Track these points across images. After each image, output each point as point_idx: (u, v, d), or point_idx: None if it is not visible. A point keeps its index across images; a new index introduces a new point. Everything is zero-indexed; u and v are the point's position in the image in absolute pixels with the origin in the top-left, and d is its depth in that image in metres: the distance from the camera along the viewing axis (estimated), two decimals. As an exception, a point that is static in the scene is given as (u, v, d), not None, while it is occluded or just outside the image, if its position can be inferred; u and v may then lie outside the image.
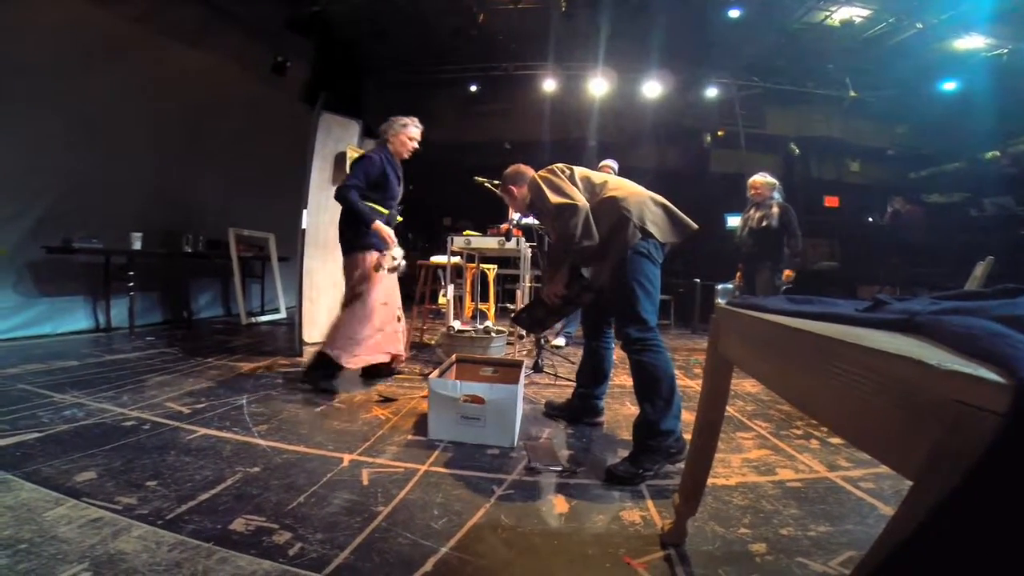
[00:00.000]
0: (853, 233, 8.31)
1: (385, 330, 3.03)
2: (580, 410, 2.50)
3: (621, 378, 3.46)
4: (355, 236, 2.92)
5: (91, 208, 4.35)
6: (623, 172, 8.53)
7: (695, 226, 2.14)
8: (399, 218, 3.18)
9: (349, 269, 2.97)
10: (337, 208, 4.11)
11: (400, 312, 3.20)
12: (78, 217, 4.22)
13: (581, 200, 2.07)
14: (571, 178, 2.22)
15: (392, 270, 3.02)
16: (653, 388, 1.92)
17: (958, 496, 0.38)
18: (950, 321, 0.59)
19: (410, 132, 3.13)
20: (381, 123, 3.17)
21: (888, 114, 8.29)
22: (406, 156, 3.16)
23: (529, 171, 2.49)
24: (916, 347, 0.55)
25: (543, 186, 2.18)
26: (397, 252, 2.98)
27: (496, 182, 3.74)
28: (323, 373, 2.85)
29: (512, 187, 2.53)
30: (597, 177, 2.27)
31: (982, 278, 3.68)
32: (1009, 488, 0.36)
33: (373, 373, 3.16)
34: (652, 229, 2.03)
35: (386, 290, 3.03)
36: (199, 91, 5.38)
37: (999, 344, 0.46)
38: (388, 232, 2.92)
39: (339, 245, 3.02)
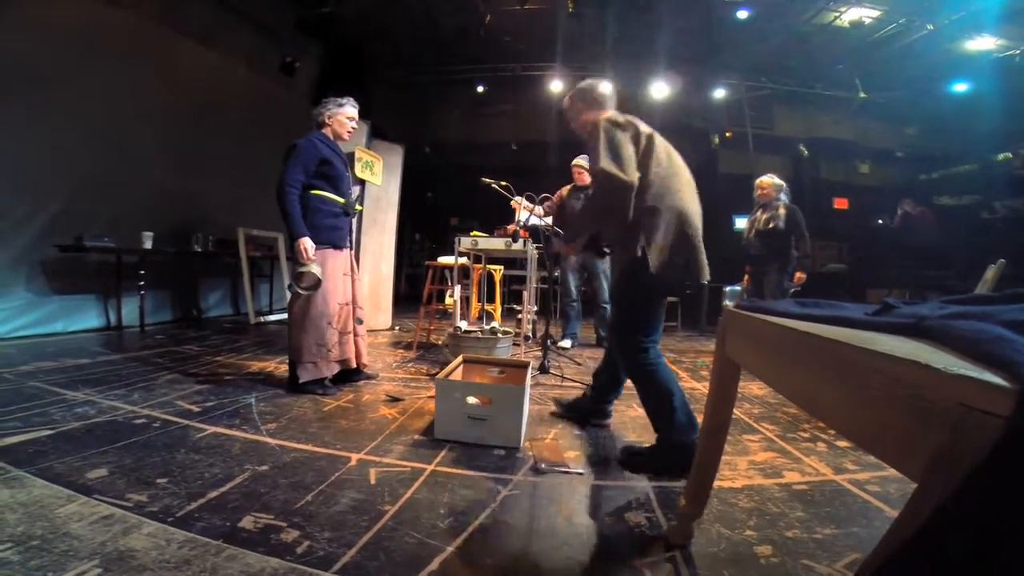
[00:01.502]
0: (862, 235, 8.25)
1: (349, 332, 2.92)
2: (589, 411, 2.48)
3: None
4: (310, 231, 2.71)
5: (103, 207, 4.41)
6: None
7: (703, 280, 1.98)
8: (359, 206, 2.90)
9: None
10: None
11: (362, 313, 3.03)
12: (90, 216, 4.28)
13: (631, 177, 1.84)
14: (645, 149, 1.95)
15: (308, 289, 2.69)
16: (657, 412, 1.94)
17: (961, 498, 0.38)
18: (957, 326, 0.59)
19: (348, 111, 2.92)
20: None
21: (898, 115, 8.24)
22: (347, 139, 2.96)
23: (604, 103, 2.20)
24: (923, 351, 0.55)
25: (603, 138, 1.92)
26: (315, 268, 2.66)
27: (503, 183, 3.76)
28: (300, 383, 2.74)
29: (580, 105, 2.24)
30: (673, 168, 2.01)
31: (993, 281, 3.64)
32: (1011, 491, 0.37)
33: (344, 376, 3.00)
34: (653, 256, 1.86)
35: (343, 289, 2.89)
36: (209, 90, 5.44)
37: (1005, 349, 0.46)
38: (307, 246, 2.64)
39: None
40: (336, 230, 2.85)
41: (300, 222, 2.67)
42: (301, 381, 2.72)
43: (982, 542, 0.38)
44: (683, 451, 1.80)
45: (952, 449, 0.40)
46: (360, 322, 3.03)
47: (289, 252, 6.17)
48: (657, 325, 2.01)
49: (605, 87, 2.23)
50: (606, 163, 1.86)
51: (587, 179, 4.60)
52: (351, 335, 2.95)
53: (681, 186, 1.99)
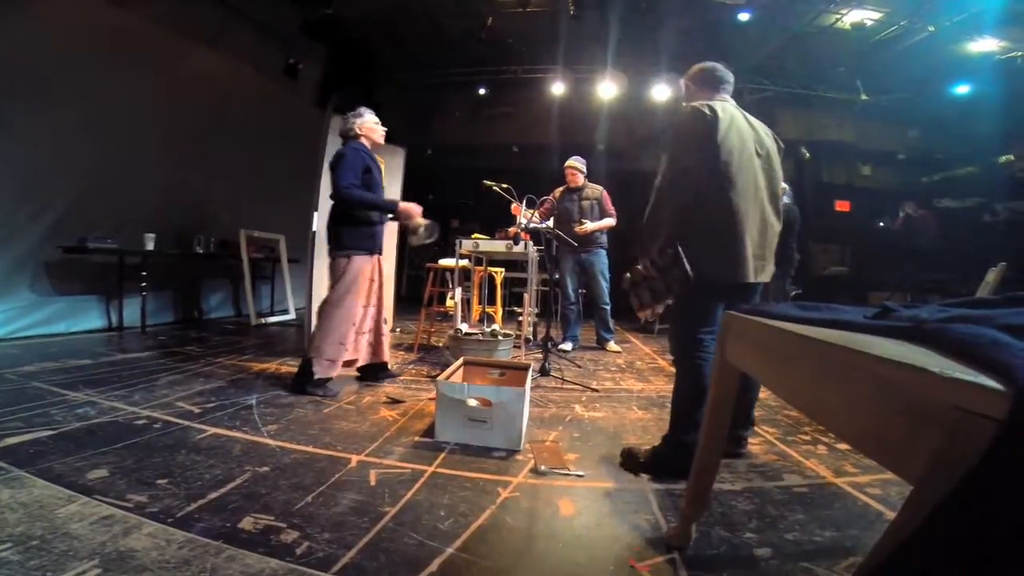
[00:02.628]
0: (864, 238, 8.24)
1: (364, 332, 3.04)
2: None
3: (628, 382, 3.46)
4: (349, 238, 2.88)
5: (106, 209, 4.42)
6: (631, 176, 8.49)
7: (749, 278, 1.88)
8: (429, 239, 3.17)
9: (335, 271, 2.89)
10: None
11: (387, 316, 3.17)
12: (93, 217, 4.29)
13: (675, 190, 1.83)
14: (712, 150, 1.84)
15: (430, 237, 3.12)
16: (682, 410, 1.90)
17: (957, 500, 0.38)
18: (955, 329, 0.59)
19: (372, 118, 3.08)
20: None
21: (900, 118, 8.22)
22: (382, 143, 3.14)
23: (717, 87, 2.05)
24: (920, 355, 0.55)
25: (674, 136, 1.92)
26: (423, 221, 3.07)
27: (505, 185, 3.77)
28: (312, 380, 2.79)
29: (690, 85, 2.12)
30: (743, 162, 1.88)
31: (994, 284, 3.64)
32: (1007, 493, 0.37)
33: (368, 374, 3.16)
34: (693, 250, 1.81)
35: (368, 294, 3.03)
36: (213, 92, 5.46)
37: (1001, 353, 0.46)
38: (411, 206, 3.02)
39: (329, 243, 2.94)
40: (371, 238, 2.99)
41: (383, 199, 2.98)
42: (316, 376, 2.79)
43: (978, 544, 0.38)
44: (689, 452, 1.67)
45: (948, 452, 0.41)
46: (385, 322, 3.21)
47: (292, 254, 6.20)
48: (711, 318, 1.91)
49: (721, 71, 2.07)
50: (673, 162, 1.86)
51: (580, 180, 4.62)
52: (364, 335, 3.06)
53: (742, 184, 1.88)
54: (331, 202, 2.89)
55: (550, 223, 4.20)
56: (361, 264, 2.91)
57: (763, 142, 1.97)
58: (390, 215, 3.10)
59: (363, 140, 3.01)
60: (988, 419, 0.38)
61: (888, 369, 0.52)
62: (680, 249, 1.80)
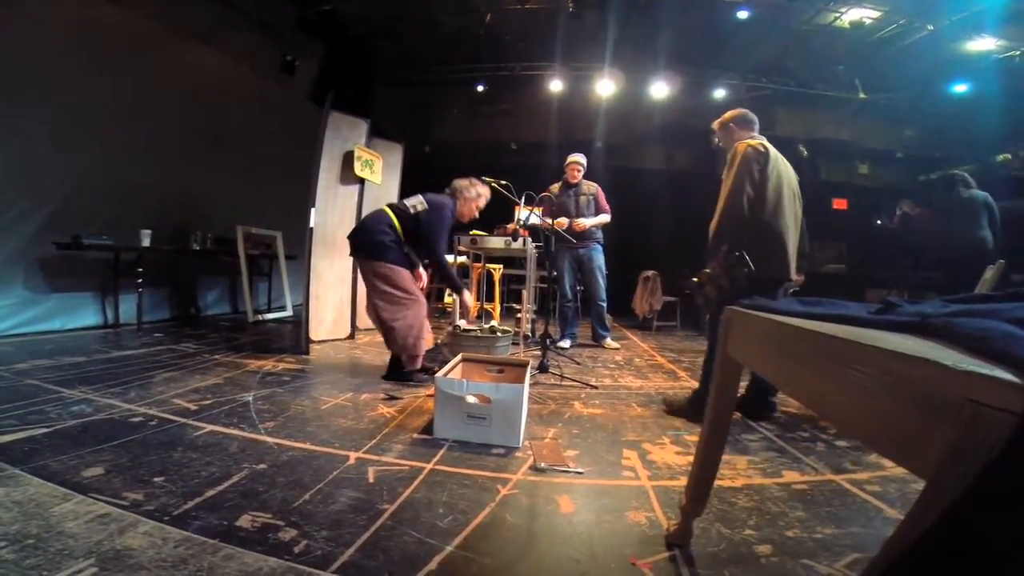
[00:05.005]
0: (861, 236, 8.25)
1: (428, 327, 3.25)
2: (756, 405, 2.60)
3: (627, 379, 3.46)
4: (408, 256, 3.11)
5: (101, 205, 4.39)
6: (630, 175, 8.51)
7: (783, 276, 2.48)
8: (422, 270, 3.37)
9: (392, 277, 3.01)
10: (346, 208, 4.18)
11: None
12: (88, 213, 4.26)
13: (742, 210, 2.34)
14: (764, 173, 2.39)
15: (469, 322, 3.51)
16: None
17: (972, 496, 0.38)
18: (963, 323, 0.58)
19: (480, 203, 3.32)
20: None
21: (898, 116, 8.23)
22: (464, 221, 3.32)
23: (753, 127, 2.64)
24: (930, 348, 0.54)
25: (738, 167, 2.38)
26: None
27: (503, 182, 3.76)
28: (401, 373, 3.10)
29: (732, 126, 2.68)
30: (781, 187, 2.45)
31: (992, 281, 3.65)
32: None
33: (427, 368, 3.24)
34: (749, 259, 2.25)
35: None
36: (209, 89, 5.42)
37: (1013, 345, 0.45)
38: (469, 300, 3.39)
39: (367, 248, 3.03)
40: (409, 257, 3.15)
41: (457, 281, 3.30)
42: (407, 370, 3.09)
43: (993, 540, 0.38)
44: (771, 405, 2.56)
45: (962, 446, 0.40)
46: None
47: (290, 250, 6.17)
48: None
49: (752, 115, 2.69)
50: (732, 194, 2.38)
51: (579, 177, 4.65)
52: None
53: (784, 206, 2.46)
54: (372, 211, 3.20)
55: (551, 220, 4.20)
56: (410, 277, 3.13)
57: (791, 173, 2.58)
58: (453, 291, 3.51)
59: (459, 204, 3.22)
60: (1004, 412, 0.37)
61: (897, 362, 0.51)
62: (744, 253, 2.24)
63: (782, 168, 2.50)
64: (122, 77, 4.43)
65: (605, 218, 4.66)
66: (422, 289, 3.25)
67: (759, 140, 2.50)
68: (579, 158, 4.66)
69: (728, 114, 2.73)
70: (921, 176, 8.51)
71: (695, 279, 2.45)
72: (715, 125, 2.81)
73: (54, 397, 2.40)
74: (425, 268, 3.15)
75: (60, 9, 3.93)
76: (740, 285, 2.22)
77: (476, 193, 3.27)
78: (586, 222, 4.52)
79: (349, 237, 3.16)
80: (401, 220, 3.07)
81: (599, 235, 4.72)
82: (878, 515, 1.57)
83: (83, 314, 4.37)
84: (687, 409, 2.58)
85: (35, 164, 3.87)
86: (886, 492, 1.72)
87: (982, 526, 0.38)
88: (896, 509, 1.60)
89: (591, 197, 4.63)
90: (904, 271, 7.20)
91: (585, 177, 4.72)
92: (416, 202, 3.13)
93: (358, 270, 4.27)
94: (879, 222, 8.49)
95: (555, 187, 4.71)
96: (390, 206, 3.18)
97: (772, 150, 2.46)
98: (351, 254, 3.17)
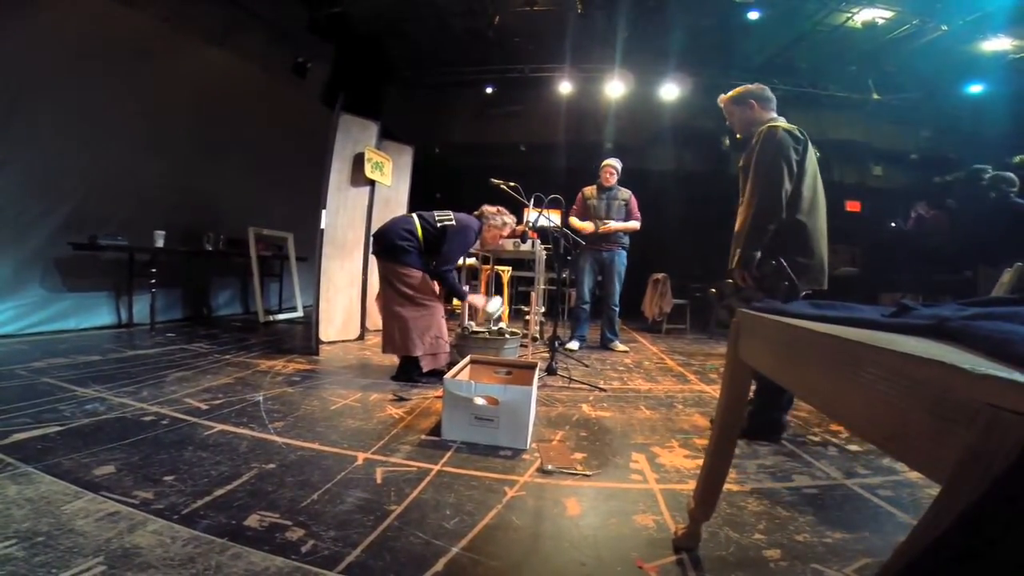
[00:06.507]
0: (875, 239, 8.15)
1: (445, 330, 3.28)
2: (759, 428, 2.23)
3: (636, 382, 3.44)
4: (426, 263, 3.14)
5: (116, 206, 4.46)
6: (639, 175, 8.48)
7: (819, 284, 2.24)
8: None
9: (411, 280, 3.07)
10: (356, 210, 4.21)
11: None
12: (104, 215, 4.33)
13: (779, 208, 2.04)
14: (803, 172, 2.09)
15: (496, 312, 3.55)
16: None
17: (989, 501, 0.37)
18: (982, 326, 0.57)
19: (505, 232, 3.39)
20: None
21: (912, 117, 8.14)
22: (485, 248, 3.39)
23: (772, 105, 2.34)
24: (945, 352, 0.53)
25: (774, 155, 2.07)
26: (491, 306, 3.53)
27: (512, 184, 3.75)
28: (412, 371, 3.12)
29: (754, 103, 2.32)
30: (815, 192, 2.18)
31: (1009, 285, 3.58)
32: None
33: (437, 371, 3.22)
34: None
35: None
36: (222, 91, 5.49)
37: (1035, 349, 0.44)
38: (477, 300, 3.47)
39: (388, 250, 3.08)
40: (427, 264, 3.18)
41: (460, 289, 3.36)
42: (426, 369, 3.13)
43: (1011, 547, 0.37)
44: (774, 425, 2.19)
45: (979, 451, 0.39)
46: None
47: (301, 252, 6.21)
48: None
49: (768, 90, 2.36)
50: (765, 187, 2.05)
51: (614, 181, 4.64)
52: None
53: (820, 204, 2.18)
54: (400, 215, 3.38)
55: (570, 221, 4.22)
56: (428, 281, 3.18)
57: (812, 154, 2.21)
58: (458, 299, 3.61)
59: (484, 230, 3.29)
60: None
61: (913, 365, 0.50)
62: (783, 261, 1.97)
63: (812, 156, 2.18)
64: (136, 80, 4.50)
65: (635, 224, 4.66)
66: (438, 295, 3.28)
67: (788, 124, 2.16)
68: (614, 162, 4.66)
69: (741, 89, 2.35)
70: (936, 177, 8.40)
71: (713, 290, 2.26)
72: (723, 100, 2.43)
73: (68, 395, 2.43)
74: (432, 277, 3.15)
75: (74, 13, 4.00)
76: (788, 296, 1.91)
77: (503, 222, 3.34)
78: (614, 225, 4.53)
79: (374, 236, 3.26)
80: (425, 229, 3.13)
81: (626, 240, 4.72)
82: (890, 520, 1.55)
83: (98, 314, 4.43)
84: (749, 430, 2.18)
85: (51, 166, 3.94)
86: (898, 497, 1.69)
87: (998, 531, 0.37)
88: (908, 514, 1.57)
89: (624, 202, 4.65)
90: (918, 274, 7.10)
91: (586, 177, 4.73)
92: (445, 217, 3.19)
93: (369, 271, 4.31)
94: (893, 224, 8.38)
95: (589, 189, 4.72)
96: (418, 214, 3.23)
97: (805, 135, 2.13)
98: (373, 253, 3.25)
